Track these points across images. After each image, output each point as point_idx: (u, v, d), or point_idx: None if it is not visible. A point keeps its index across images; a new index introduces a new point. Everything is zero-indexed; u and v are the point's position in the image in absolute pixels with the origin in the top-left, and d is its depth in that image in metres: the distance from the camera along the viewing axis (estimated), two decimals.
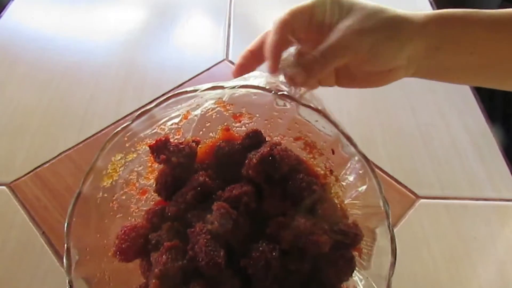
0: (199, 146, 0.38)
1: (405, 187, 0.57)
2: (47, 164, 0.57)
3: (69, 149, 0.59)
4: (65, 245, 0.30)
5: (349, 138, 0.34)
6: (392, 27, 0.34)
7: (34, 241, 0.50)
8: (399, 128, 0.65)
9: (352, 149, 0.34)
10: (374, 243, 0.34)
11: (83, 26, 0.79)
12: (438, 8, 0.86)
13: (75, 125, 0.62)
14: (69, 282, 0.29)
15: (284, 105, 0.35)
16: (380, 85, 0.38)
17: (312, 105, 0.34)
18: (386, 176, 0.58)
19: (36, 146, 0.59)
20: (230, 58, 0.73)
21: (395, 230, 0.52)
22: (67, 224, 0.31)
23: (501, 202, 0.57)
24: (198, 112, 0.37)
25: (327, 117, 0.34)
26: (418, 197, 0.56)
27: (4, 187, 0.54)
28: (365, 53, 0.33)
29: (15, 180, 0.55)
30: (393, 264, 0.30)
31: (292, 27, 0.34)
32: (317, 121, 0.35)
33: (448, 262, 0.51)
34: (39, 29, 0.78)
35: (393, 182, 0.58)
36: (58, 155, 0.58)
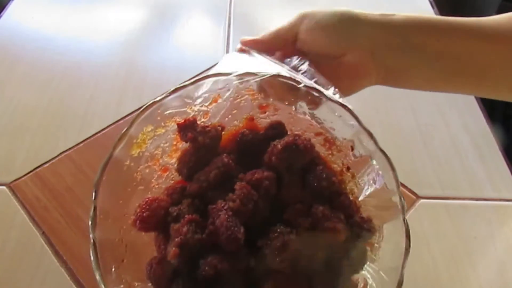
0: (223, 133, 0.39)
1: (405, 187, 0.57)
2: (47, 164, 0.57)
3: (69, 149, 0.59)
4: (93, 204, 0.31)
5: (370, 134, 0.34)
6: (344, 14, 0.38)
7: (34, 241, 0.50)
8: (399, 128, 0.65)
9: (372, 145, 0.34)
10: (385, 238, 0.34)
11: (83, 26, 0.79)
12: (438, 7, 0.87)
13: (75, 125, 0.62)
14: (93, 240, 0.30)
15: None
16: (352, 90, 0.39)
17: (338, 100, 0.34)
18: None
19: (36, 146, 0.59)
20: None
21: None
22: (96, 183, 0.31)
23: (501, 202, 0.57)
24: (227, 96, 0.37)
25: (351, 111, 0.34)
26: (418, 197, 0.56)
27: (4, 187, 0.54)
28: (318, 31, 0.37)
29: (15, 180, 0.55)
30: (407, 256, 0.30)
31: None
32: (340, 116, 0.35)
33: (448, 262, 0.51)
34: (39, 29, 0.78)
35: None
36: (58, 155, 0.58)
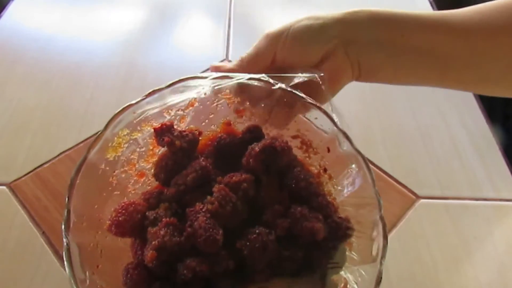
0: (200, 138, 0.39)
1: (405, 187, 0.57)
2: (47, 164, 0.57)
3: (69, 149, 0.59)
4: (66, 208, 0.31)
5: (345, 135, 0.34)
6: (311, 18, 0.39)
7: (34, 241, 0.50)
8: (399, 128, 0.65)
9: (349, 146, 0.34)
10: (364, 237, 0.34)
11: (83, 26, 0.79)
12: (438, 7, 0.87)
13: (75, 125, 0.62)
14: (66, 244, 0.29)
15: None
16: (334, 92, 0.40)
17: (313, 101, 0.35)
18: (386, 176, 0.58)
19: (36, 146, 0.59)
20: (230, 58, 0.73)
21: (395, 230, 0.53)
22: (70, 185, 0.31)
23: (501, 202, 0.57)
24: (203, 99, 0.38)
25: (326, 113, 0.35)
26: (418, 197, 0.56)
27: (4, 187, 0.54)
28: (289, 39, 0.37)
29: (15, 180, 0.55)
30: (384, 252, 0.31)
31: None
32: (316, 118, 0.36)
33: (448, 262, 0.51)
34: (39, 29, 0.78)
35: (393, 182, 0.58)
36: (58, 155, 0.58)
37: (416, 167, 0.60)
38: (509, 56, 0.37)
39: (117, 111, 0.34)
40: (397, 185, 0.57)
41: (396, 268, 0.50)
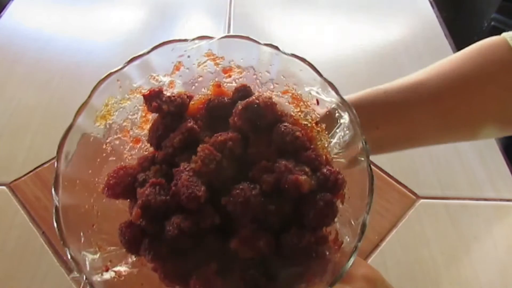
0: (192, 102, 0.39)
1: (405, 187, 0.57)
2: (47, 164, 0.57)
3: None
4: (55, 171, 0.32)
5: (331, 84, 0.34)
6: None
7: (34, 241, 0.50)
8: None
9: (335, 96, 0.34)
10: (354, 186, 0.34)
11: (83, 26, 0.79)
12: (438, 7, 0.86)
13: None
14: (56, 205, 0.31)
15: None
16: None
17: (295, 54, 0.35)
18: (386, 176, 0.58)
19: (36, 146, 0.59)
20: None
21: (395, 230, 0.53)
22: (57, 151, 0.32)
23: (501, 202, 0.57)
24: (189, 62, 0.38)
25: (311, 65, 0.35)
26: (418, 197, 0.56)
27: (4, 187, 0.54)
28: None
29: (15, 180, 0.55)
30: (369, 203, 0.31)
31: None
32: (301, 70, 0.36)
33: (448, 262, 0.51)
34: (39, 29, 0.78)
35: (393, 182, 0.58)
36: None
37: (416, 167, 0.60)
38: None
39: (100, 79, 0.35)
40: (397, 185, 0.57)
41: (396, 268, 0.50)
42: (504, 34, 0.39)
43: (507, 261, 0.51)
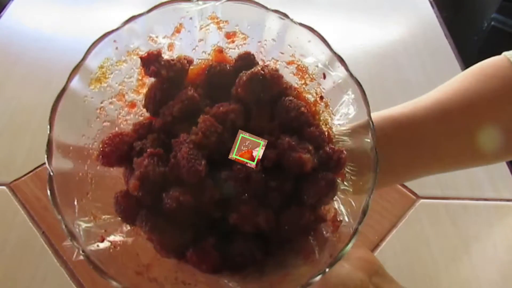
0: (191, 67, 0.37)
1: (405, 187, 0.57)
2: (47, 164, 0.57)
3: None
4: (47, 137, 0.30)
5: (340, 59, 0.33)
6: None
7: (34, 241, 0.50)
8: None
9: (344, 71, 0.33)
10: (358, 168, 0.33)
11: (83, 26, 0.79)
12: (438, 7, 0.86)
13: None
14: (48, 175, 0.29)
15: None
16: None
17: (305, 24, 0.33)
18: None
19: (36, 146, 0.59)
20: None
21: (395, 230, 0.53)
22: (50, 115, 0.31)
23: (501, 202, 0.57)
24: (190, 24, 0.36)
25: (320, 36, 0.33)
26: (418, 197, 0.56)
27: (4, 187, 0.54)
28: None
29: (15, 180, 0.55)
30: (375, 182, 0.30)
31: None
32: (309, 41, 0.34)
33: (448, 262, 0.51)
34: (39, 29, 0.78)
35: None
36: None
37: None
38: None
39: (95, 40, 0.34)
40: (397, 185, 0.57)
41: (396, 268, 0.50)
42: (505, 53, 0.39)
43: (507, 261, 0.51)
